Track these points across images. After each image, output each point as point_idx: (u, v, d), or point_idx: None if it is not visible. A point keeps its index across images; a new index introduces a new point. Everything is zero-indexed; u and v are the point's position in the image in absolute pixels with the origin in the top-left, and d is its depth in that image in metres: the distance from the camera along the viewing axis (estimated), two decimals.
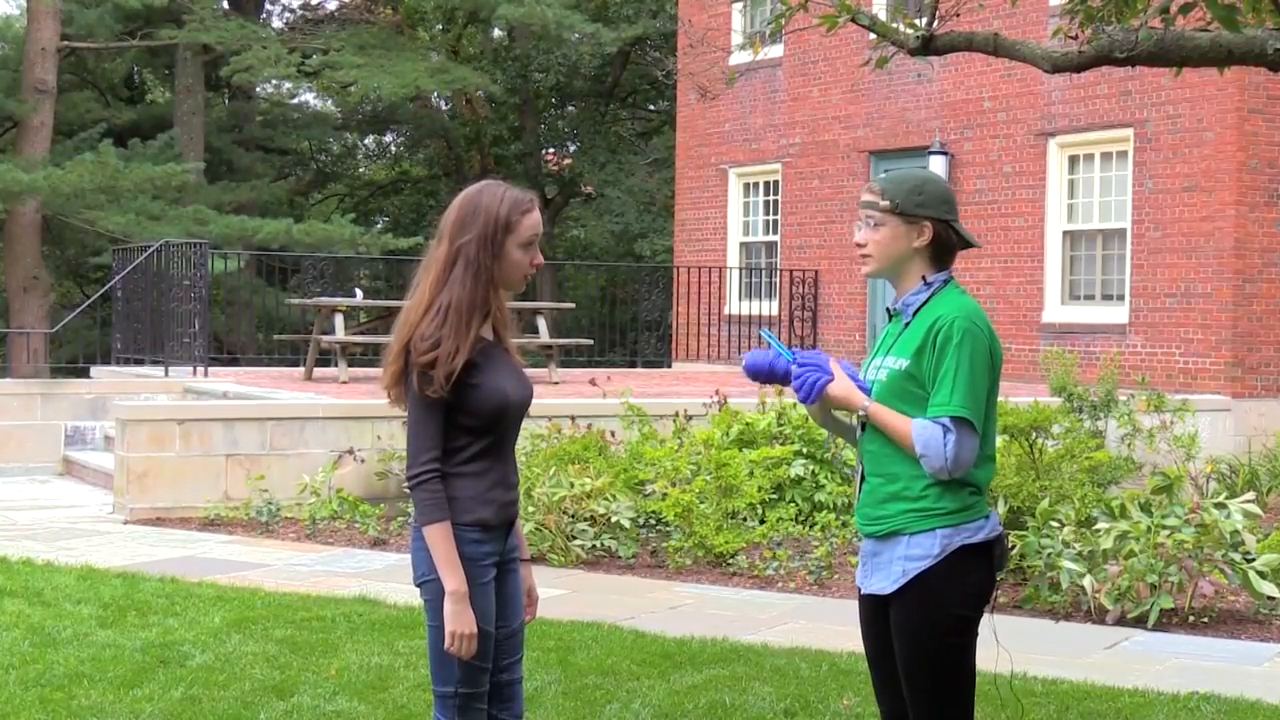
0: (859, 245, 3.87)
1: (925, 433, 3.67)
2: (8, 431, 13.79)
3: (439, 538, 3.76)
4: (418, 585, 3.88)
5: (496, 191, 3.89)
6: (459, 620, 3.75)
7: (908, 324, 3.82)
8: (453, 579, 3.75)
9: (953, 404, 3.66)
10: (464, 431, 3.81)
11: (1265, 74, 12.45)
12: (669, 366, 20.85)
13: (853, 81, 18.33)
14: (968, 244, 3.85)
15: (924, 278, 3.83)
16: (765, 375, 3.89)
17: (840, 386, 3.81)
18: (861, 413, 3.78)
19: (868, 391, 3.83)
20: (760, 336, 3.99)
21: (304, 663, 6.72)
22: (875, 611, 3.86)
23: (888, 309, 3.95)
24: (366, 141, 37.90)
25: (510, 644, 3.97)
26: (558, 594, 8.40)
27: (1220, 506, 8.16)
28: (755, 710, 6.07)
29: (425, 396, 3.75)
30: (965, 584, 3.72)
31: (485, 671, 3.87)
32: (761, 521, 10.03)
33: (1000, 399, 10.88)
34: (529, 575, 4.10)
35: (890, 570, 3.77)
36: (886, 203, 3.80)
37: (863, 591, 3.89)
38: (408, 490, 3.82)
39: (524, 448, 10.51)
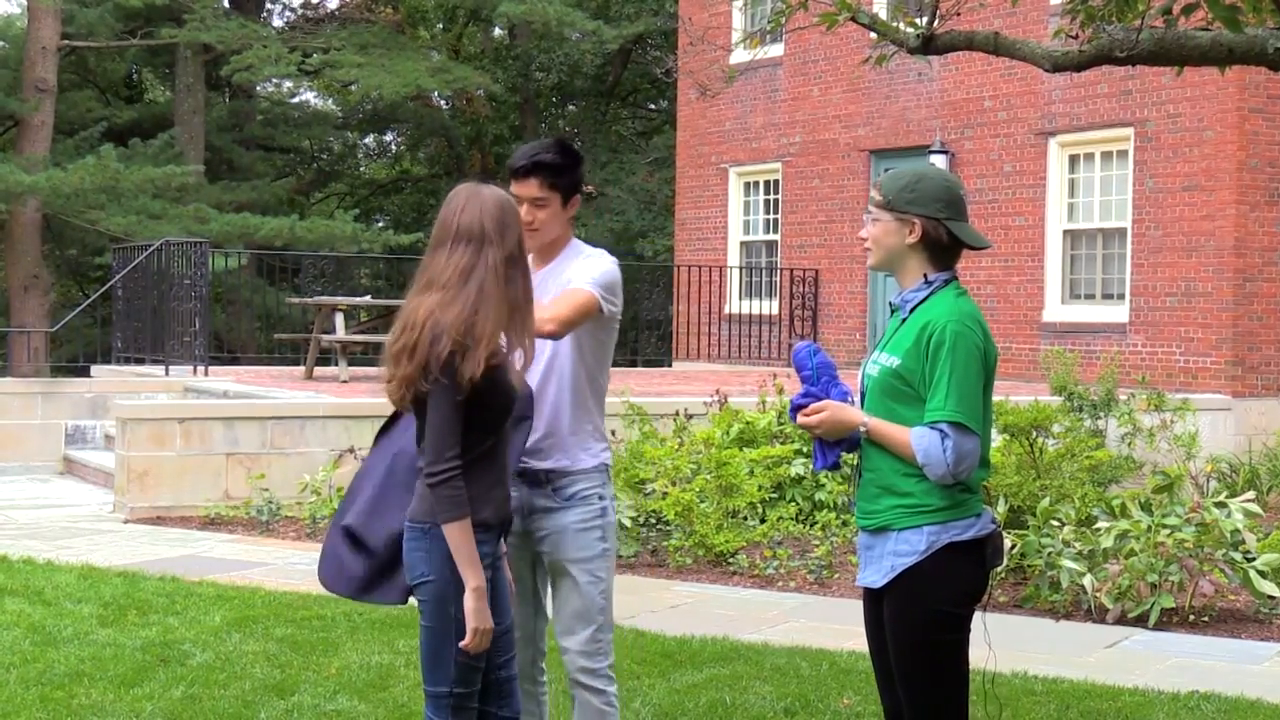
0: (861, 239, 3.93)
1: (924, 442, 3.69)
2: (8, 430, 13.79)
3: (461, 534, 3.74)
4: (413, 585, 3.86)
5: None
6: (480, 616, 3.75)
7: (904, 320, 3.85)
8: (474, 576, 3.75)
9: (947, 409, 3.68)
10: (476, 428, 3.78)
11: (1266, 73, 12.45)
12: (669, 365, 20.83)
13: (853, 80, 18.31)
14: (965, 245, 3.85)
15: (925, 276, 3.85)
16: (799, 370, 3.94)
17: (833, 423, 3.81)
18: (862, 430, 3.80)
19: (865, 394, 3.87)
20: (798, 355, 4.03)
21: (304, 661, 6.72)
22: (874, 605, 3.90)
23: (890, 302, 3.98)
24: (367, 140, 37.90)
25: (504, 641, 3.98)
26: None
27: (1221, 505, 8.16)
28: (756, 709, 6.07)
29: (457, 386, 3.66)
30: (953, 582, 3.74)
31: (479, 671, 3.87)
32: (762, 520, 10.03)
33: (1001, 398, 10.78)
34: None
35: (880, 565, 3.80)
36: (880, 198, 3.85)
37: (858, 584, 3.94)
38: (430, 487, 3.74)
39: None
